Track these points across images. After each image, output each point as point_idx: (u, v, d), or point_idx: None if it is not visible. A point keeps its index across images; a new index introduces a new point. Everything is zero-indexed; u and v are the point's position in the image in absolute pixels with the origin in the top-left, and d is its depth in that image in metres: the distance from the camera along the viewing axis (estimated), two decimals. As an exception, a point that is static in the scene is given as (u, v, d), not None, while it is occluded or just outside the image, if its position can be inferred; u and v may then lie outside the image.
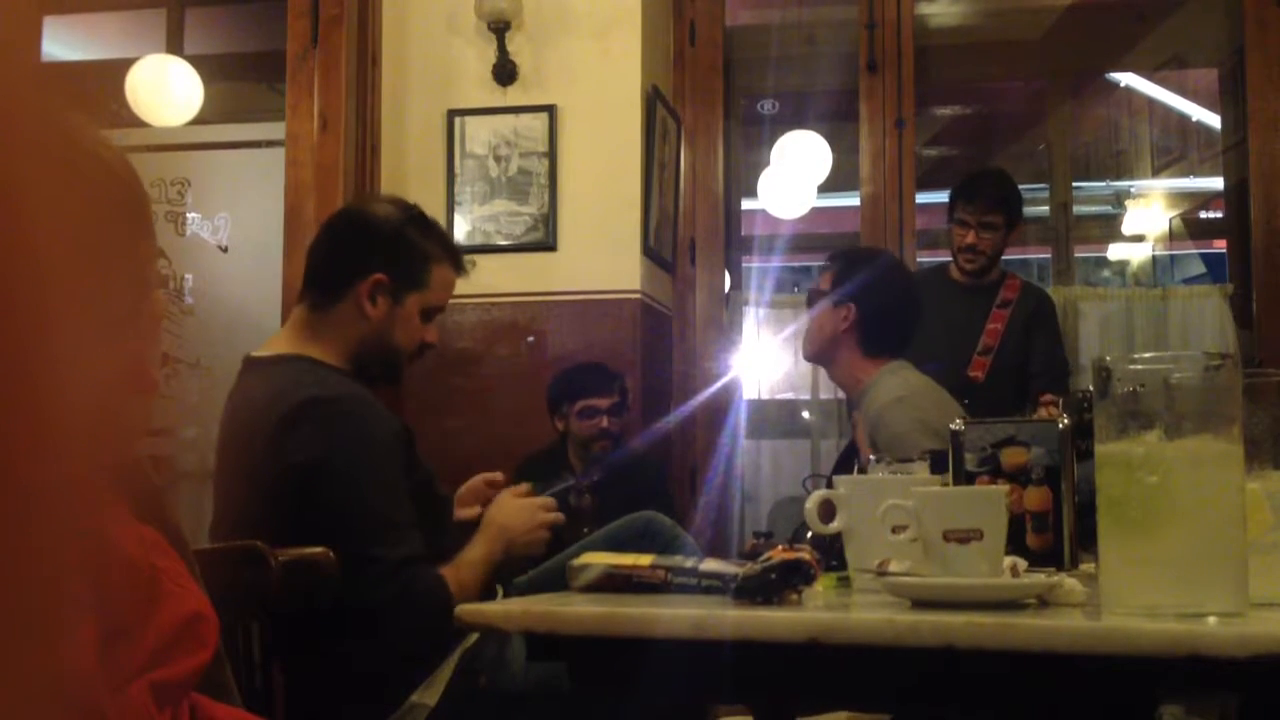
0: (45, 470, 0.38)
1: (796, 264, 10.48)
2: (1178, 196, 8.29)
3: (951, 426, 1.82)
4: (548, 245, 4.01)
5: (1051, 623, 1.21)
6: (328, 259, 2.24)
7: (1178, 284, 7.25)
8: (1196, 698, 1.11)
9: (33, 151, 0.39)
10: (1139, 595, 1.22)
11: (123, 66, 4.73)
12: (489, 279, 3.92)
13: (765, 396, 5.61)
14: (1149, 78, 7.27)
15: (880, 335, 2.88)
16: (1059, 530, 1.75)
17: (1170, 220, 8.21)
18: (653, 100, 4.10)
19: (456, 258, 2.28)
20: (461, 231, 4.02)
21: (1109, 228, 8.35)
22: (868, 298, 2.86)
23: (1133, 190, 8.43)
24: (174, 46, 5.31)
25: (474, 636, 2.06)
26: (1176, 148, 8.24)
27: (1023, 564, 1.47)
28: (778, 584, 1.39)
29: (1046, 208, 5.78)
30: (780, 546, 1.49)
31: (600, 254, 4.00)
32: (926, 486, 1.58)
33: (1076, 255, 5.97)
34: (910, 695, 1.34)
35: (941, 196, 4.00)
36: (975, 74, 6.00)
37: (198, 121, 4.81)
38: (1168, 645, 1.13)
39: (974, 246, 3.82)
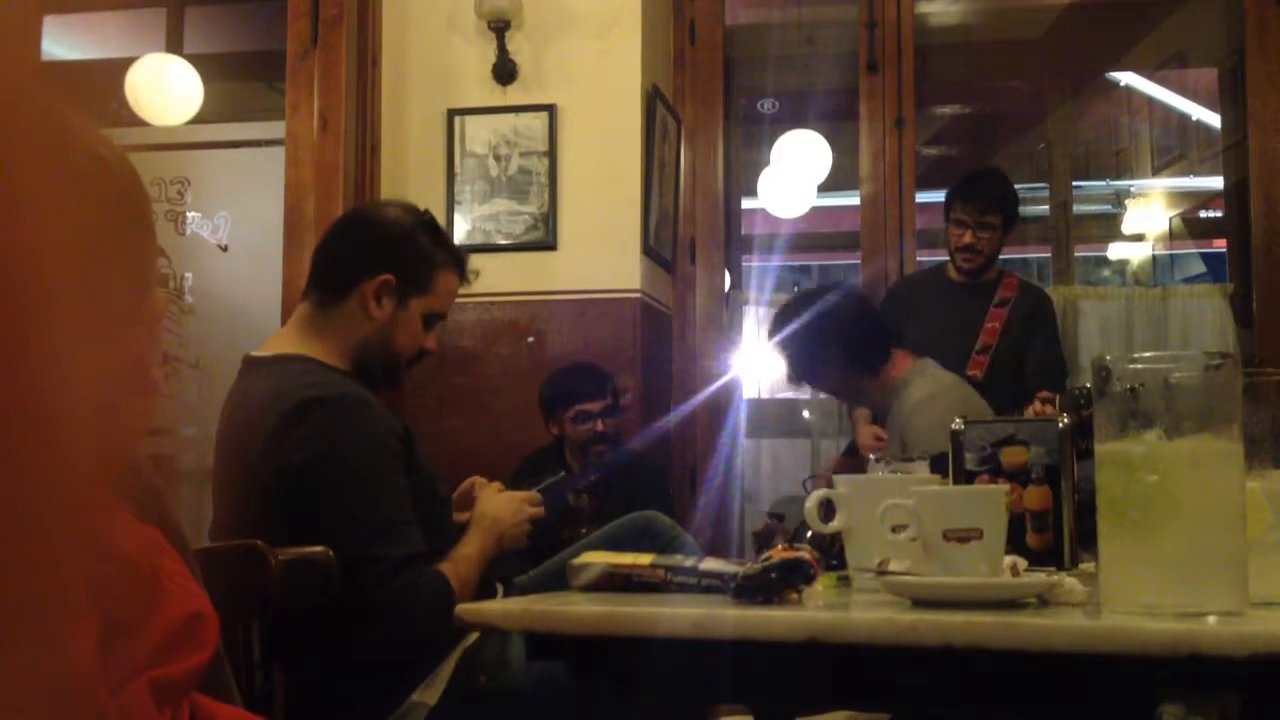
0: (46, 469, 0.38)
1: (796, 263, 10.49)
2: (1178, 196, 8.30)
3: (951, 426, 1.82)
4: (548, 244, 4.01)
5: (1051, 622, 1.21)
6: (336, 256, 2.24)
7: (1178, 283, 7.26)
8: (1196, 697, 1.11)
9: (32, 150, 0.39)
10: (1139, 594, 1.22)
11: (123, 66, 4.73)
12: (489, 278, 3.92)
13: (765, 396, 5.62)
14: (1149, 77, 7.27)
15: (869, 349, 2.91)
16: (1059, 529, 1.75)
17: (1170, 220, 8.21)
18: (653, 100, 4.10)
19: (462, 266, 2.29)
20: (462, 231, 4.02)
21: (1109, 227, 8.36)
22: (827, 341, 2.90)
23: (1133, 190, 8.43)
24: (174, 45, 5.31)
25: (474, 636, 2.07)
26: (1176, 147, 8.25)
27: (1023, 563, 1.47)
28: (778, 583, 1.39)
29: (1046, 207, 5.78)
30: (780, 546, 1.49)
31: (600, 253, 4.00)
32: (926, 486, 1.58)
33: (1076, 255, 5.98)
34: (910, 695, 1.34)
35: (941, 196, 4.00)
36: (975, 73, 6.00)
37: (198, 121, 4.81)
38: (1168, 644, 1.13)
39: (971, 246, 3.83)
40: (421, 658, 2.06)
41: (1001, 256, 3.99)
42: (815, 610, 1.38)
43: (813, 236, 7.82)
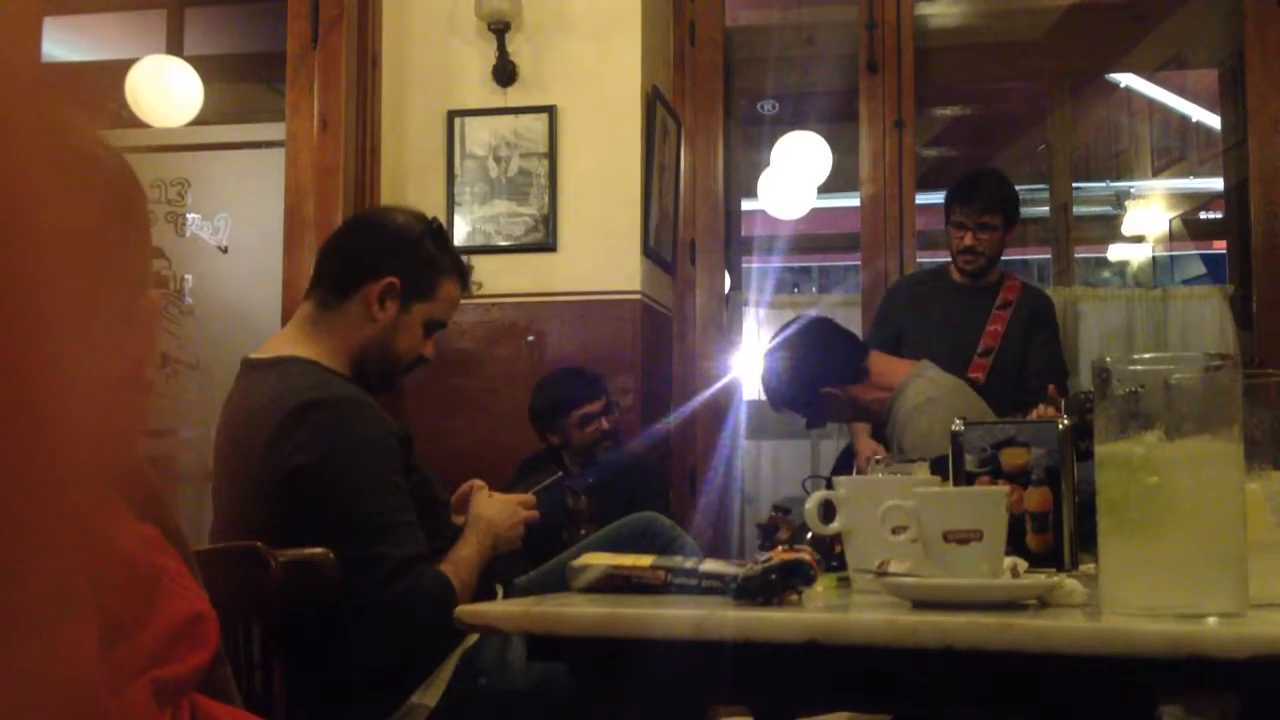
0: (44, 469, 0.38)
1: (796, 265, 10.49)
2: (1178, 197, 8.30)
3: (952, 428, 1.82)
4: (548, 246, 4.01)
5: (1052, 623, 1.21)
6: (342, 257, 2.25)
7: (1178, 285, 7.26)
8: (1196, 698, 1.11)
9: (27, 149, 0.39)
10: (1139, 596, 1.22)
11: (123, 67, 4.74)
12: (489, 280, 3.93)
13: (765, 397, 5.61)
14: (1149, 78, 7.27)
15: (846, 363, 2.97)
16: (1059, 531, 1.75)
17: (1170, 221, 8.22)
18: (653, 101, 4.10)
19: (465, 276, 2.31)
20: (462, 232, 4.02)
21: (1109, 228, 8.36)
22: (810, 375, 3.01)
23: (1133, 191, 8.43)
24: (174, 47, 5.31)
25: (474, 637, 2.07)
26: (1176, 148, 8.25)
27: (1023, 565, 1.47)
28: (778, 585, 1.39)
29: (1046, 208, 5.78)
30: (780, 547, 1.49)
31: (600, 254, 4.00)
32: (926, 487, 1.58)
33: (1076, 256, 5.97)
34: (910, 696, 1.34)
35: (941, 197, 4.00)
36: (975, 74, 6.00)
37: (198, 122, 4.82)
38: (1168, 646, 1.13)
39: (972, 248, 3.82)
40: (422, 658, 2.06)
41: (1002, 258, 3.99)
42: (815, 612, 1.38)
43: (813, 238, 7.82)
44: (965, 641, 1.19)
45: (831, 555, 1.71)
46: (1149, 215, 8.29)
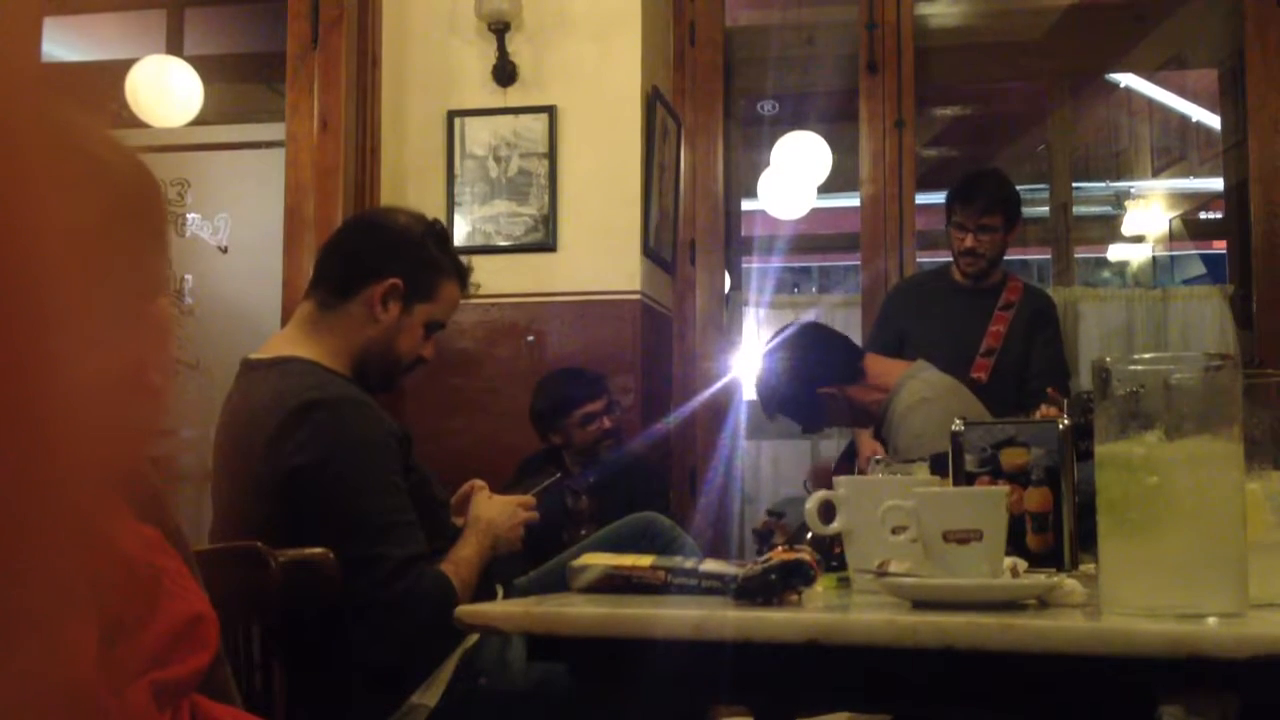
0: (45, 470, 0.38)
1: (796, 265, 10.49)
2: (1178, 197, 8.30)
3: (952, 428, 1.82)
4: (548, 246, 4.01)
5: (1052, 623, 1.21)
6: (345, 258, 2.25)
7: (1178, 285, 7.26)
8: (1196, 698, 1.11)
9: (28, 151, 0.39)
10: (1139, 596, 1.22)
11: (123, 67, 4.74)
12: (489, 280, 3.92)
13: (760, 402, 5.61)
14: (1149, 78, 7.27)
15: (842, 364, 2.98)
16: (1059, 531, 1.75)
17: (1170, 221, 8.22)
18: (653, 101, 4.10)
19: (464, 277, 2.32)
20: (462, 232, 4.02)
21: (1109, 228, 8.36)
22: (807, 375, 3.02)
23: (1133, 191, 8.43)
24: (174, 47, 5.32)
25: (474, 637, 2.07)
26: (1176, 148, 8.25)
27: (1023, 565, 1.47)
28: (778, 585, 1.39)
29: (1046, 208, 5.78)
30: (780, 547, 1.49)
31: (600, 255, 4.00)
32: (926, 488, 1.58)
33: (1076, 256, 5.97)
34: (910, 696, 1.34)
35: (941, 197, 4.00)
36: (975, 74, 5.99)
37: (198, 122, 4.82)
38: (1168, 646, 1.13)
39: (973, 250, 3.82)
40: (422, 658, 2.06)
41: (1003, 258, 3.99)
42: (815, 612, 1.38)
43: (813, 238, 7.82)
44: (965, 642, 1.19)
45: (831, 555, 1.71)
46: (1149, 215, 8.29)
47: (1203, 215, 8.18)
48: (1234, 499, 1.24)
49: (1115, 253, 8.78)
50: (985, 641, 1.19)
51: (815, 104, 5.21)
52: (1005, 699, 1.28)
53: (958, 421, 1.82)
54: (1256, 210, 4.36)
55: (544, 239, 4.01)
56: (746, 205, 5.37)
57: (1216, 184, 6.47)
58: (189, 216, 4.46)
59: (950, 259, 3.99)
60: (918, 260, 4.64)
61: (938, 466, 1.84)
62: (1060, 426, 1.78)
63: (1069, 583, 1.37)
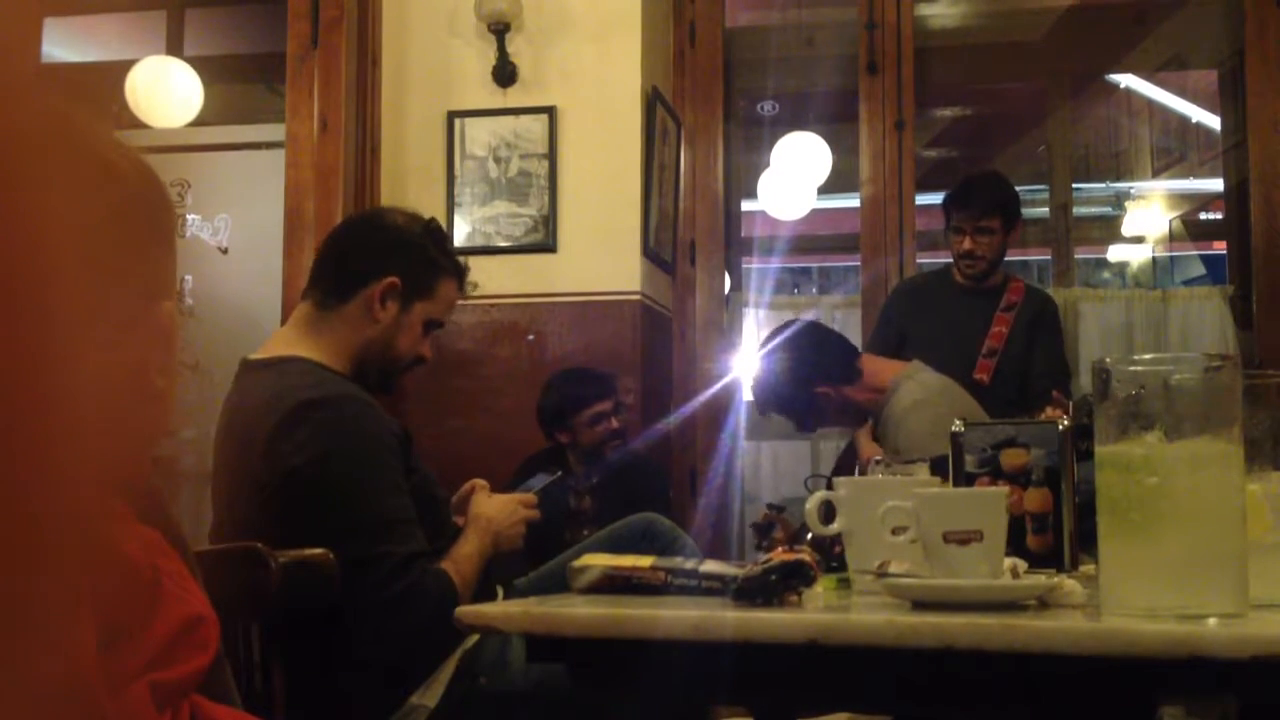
0: (45, 471, 0.38)
1: (796, 265, 10.50)
2: (1178, 198, 8.30)
3: (952, 429, 1.82)
4: (548, 247, 4.01)
5: (1052, 624, 1.21)
6: (343, 258, 2.25)
7: (1178, 285, 7.26)
8: (1196, 699, 1.11)
9: (37, 155, 0.39)
10: (1139, 596, 1.22)
11: (123, 68, 4.74)
12: (489, 280, 3.92)
13: (755, 400, 5.60)
14: (1149, 79, 7.27)
15: (839, 364, 2.99)
16: (1059, 531, 1.75)
17: (1170, 222, 8.22)
18: (653, 101, 4.10)
19: (462, 276, 2.32)
20: (462, 233, 4.02)
21: (1109, 229, 8.36)
22: (805, 374, 3.03)
23: (1133, 192, 8.43)
24: (174, 48, 5.32)
25: (474, 638, 2.07)
26: (1176, 149, 8.25)
27: (1023, 565, 1.47)
28: (778, 585, 1.39)
29: (1046, 209, 5.78)
30: (780, 548, 1.49)
31: (600, 255, 4.00)
32: (926, 488, 1.58)
33: (1076, 257, 5.97)
34: (910, 696, 1.34)
35: (941, 198, 4.00)
36: (975, 75, 6.00)
37: (198, 123, 4.82)
38: (1168, 646, 1.13)
39: (971, 252, 3.82)
40: (424, 656, 2.06)
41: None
42: (815, 612, 1.38)
43: (813, 239, 7.82)
44: (965, 642, 1.19)
45: (831, 556, 1.71)
46: (1149, 216, 8.29)
47: (1203, 216, 8.18)
48: (1234, 500, 1.24)
49: (1115, 253, 8.78)
50: (985, 642, 1.19)
51: (815, 104, 5.21)
52: (1005, 700, 1.28)
53: (958, 422, 1.82)
54: (1256, 211, 4.36)
55: (544, 239, 4.01)
56: (746, 206, 5.37)
57: (1216, 185, 6.47)
58: (189, 217, 4.46)
59: (951, 260, 3.99)
60: (918, 261, 4.64)
61: (938, 467, 1.83)
62: (1060, 427, 1.78)
63: (1069, 583, 1.37)
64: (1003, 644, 1.18)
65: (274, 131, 4.31)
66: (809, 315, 4.77)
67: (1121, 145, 8.43)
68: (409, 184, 4.10)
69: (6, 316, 0.37)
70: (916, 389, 2.89)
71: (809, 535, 1.76)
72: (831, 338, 3.15)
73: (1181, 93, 7.63)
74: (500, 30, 4.01)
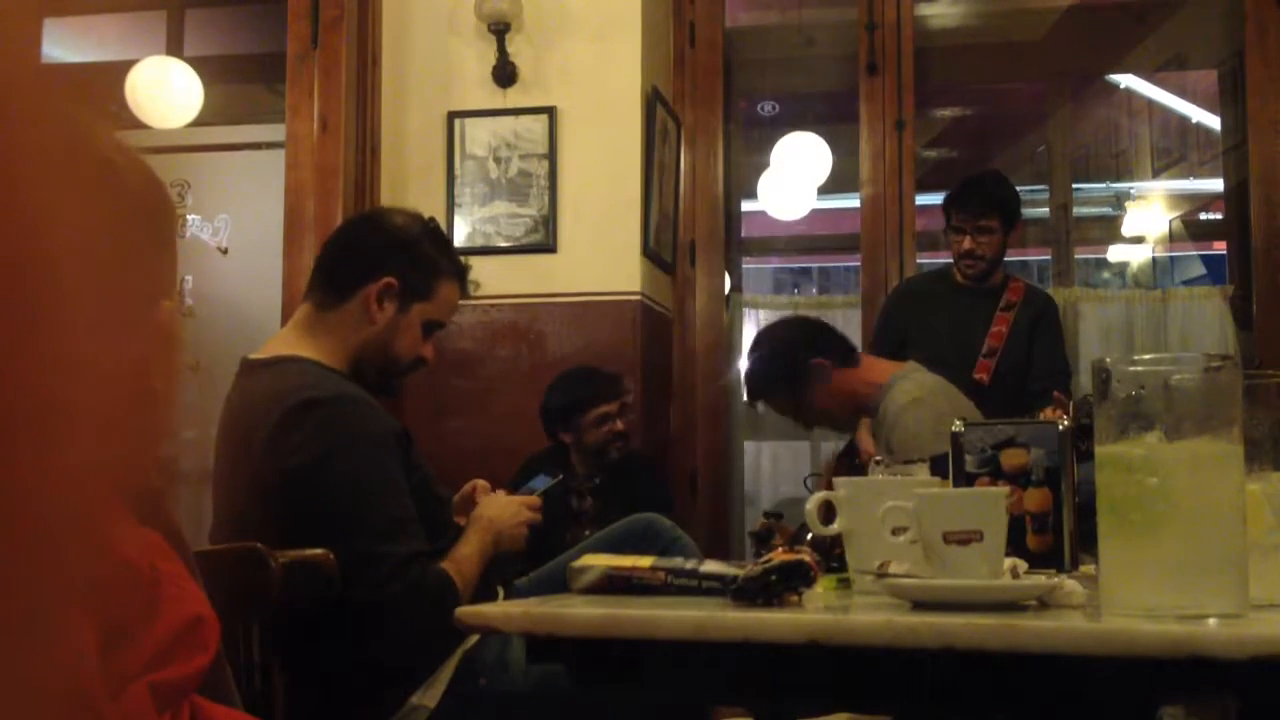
0: (46, 472, 0.38)
1: (796, 265, 10.50)
2: (1178, 198, 8.29)
3: (952, 429, 1.82)
4: (548, 247, 4.01)
5: (1052, 624, 1.21)
6: (341, 258, 2.25)
7: (1178, 286, 7.26)
8: (1197, 699, 1.11)
9: (37, 155, 0.39)
10: (1139, 597, 1.22)
11: (123, 68, 4.73)
12: (489, 281, 3.92)
13: (745, 387, 5.60)
14: (1149, 79, 7.27)
15: (837, 343, 2.99)
16: (1059, 532, 1.75)
17: (1170, 222, 8.21)
18: (652, 102, 4.10)
19: (463, 277, 2.31)
20: (462, 233, 4.02)
21: (1109, 229, 8.35)
22: (803, 338, 3.04)
23: (1133, 192, 8.43)
24: (174, 48, 5.31)
25: (474, 638, 2.07)
26: (1176, 149, 8.25)
27: (1023, 565, 1.47)
28: (778, 586, 1.39)
29: (1046, 209, 5.77)
30: (780, 549, 1.49)
31: (600, 255, 4.00)
32: (927, 488, 1.58)
33: (1076, 257, 5.96)
34: (910, 697, 1.34)
35: (941, 198, 4.00)
36: (975, 75, 6.00)
37: (198, 123, 4.81)
38: (1168, 647, 1.13)
39: (971, 252, 3.82)
40: (424, 656, 2.06)
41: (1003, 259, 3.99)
42: (815, 612, 1.38)
43: (813, 239, 7.81)
44: (965, 643, 1.19)
45: (831, 556, 1.71)
46: (1149, 216, 8.28)
47: (1203, 216, 8.18)
48: (1234, 500, 1.24)
49: (1115, 254, 8.77)
50: (985, 642, 1.19)
51: (815, 105, 5.22)
52: (1005, 700, 1.28)
53: (958, 422, 1.82)
54: (1256, 211, 4.36)
55: (544, 240, 4.01)
56: (746, 206, 5.37)
57: (1216, 185, 6.47)
58: (189, 218, 4.47)
59: (951, 260, 3.99)
60: (918, 261, 4.64)
61: (938, 467, 1.83)
62: (1060, 427, 1.78)
63: (1069, 584, 1.37)
64: (1003, 644, 1.18)
65: (274, 132, 4.31)
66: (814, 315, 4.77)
67: (1121, 145, 8.43)
68: (409, 184, 4.10)
69: (6, 317, 0.37)
70: (913, 387, 2.88)
71: (809, 535, 1.76)
72: (830, 326, 3.17)
73: (1181, 93, 7.63)
74: (500, 30, 4.01)
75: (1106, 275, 9.19)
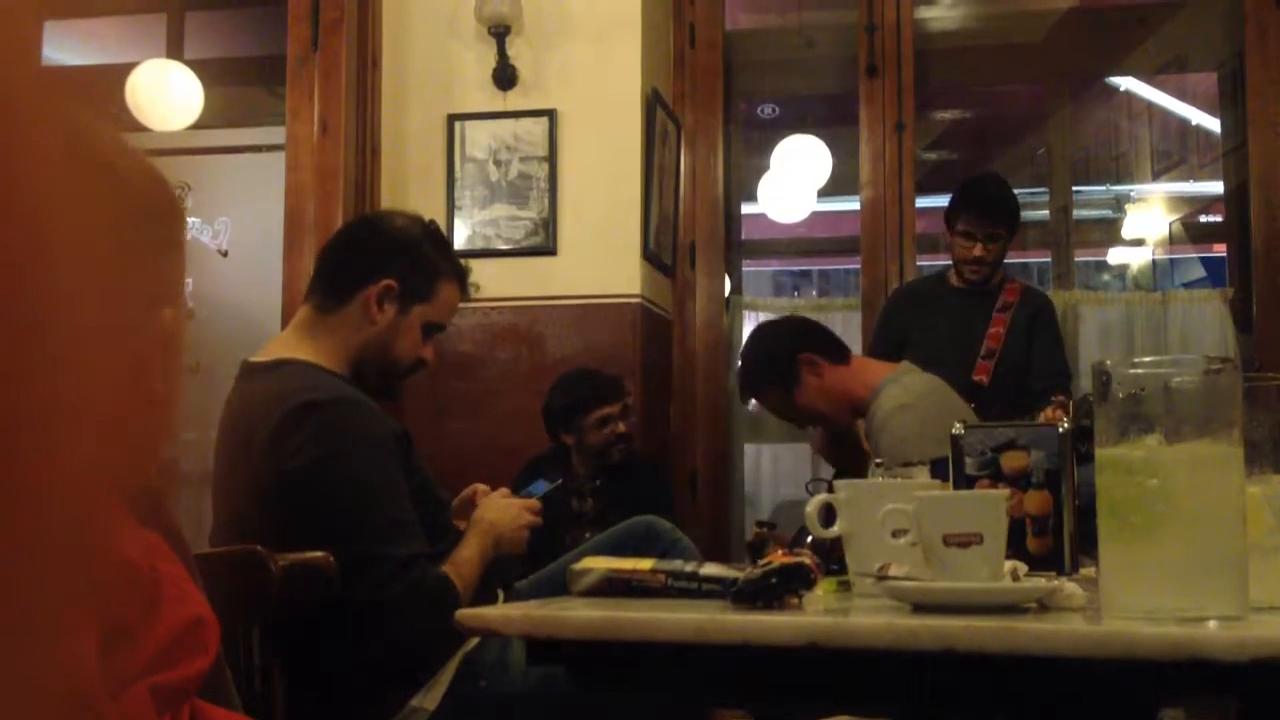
0: (46, 475, 0.38)
1: (796, 268, 10.50)
2: (1178, 200, 8.29)
3: (952, 431, 1.82)
4: (548, 249, 4.02)
5: (1052, 627, 1.21)
6: (341, 260, 2.26)
7: (1178, 288, 7.26)
8: (1197, 702, 1.11)
9: (35, 159, 0.39)
10: (1139, 599, 1.22)
11: (123, 71, 4.74)
12: (489, 283, 3.93)
13: (737, 381, 5.60)
14: (1149, 81, 7.27)
15: (830, 341, 2.98)
16: (1059, 534, 1.75)
17: (1170, 224, 8.21)
18: (652, 104, 4.10)
19: (463, 279, 2.32)
20: (462, 236, 4.02)
21: (1109, 232, 8.35)
22: (797, 329, 3.08)
23: (1133, 194, 8.43)
24: (174, 51, 5.32)
25: (474, 640, 2.07)
26: (1176, 152, 8.25)
27: (1023, 568, 1.47)
28: (778, 588, 1.39)
29: (1046, 212, 5.77)
30: (780, 551, 1.49)
31: (600, 258, 4.00)
32: (927, 491, 1.58)
33: (1076, 259, 5.96)
34: (911, 699, 1.34)
35: (941, 200, 4.00)
36: (975, 78, 6.00)
37: (198, 126, 4.82)
38: (1168, 649, 1.13)
39: (981, 259, 3.83)
40: (424, 658, 2.06)
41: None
42: (816, 615, 1.38)
43: (813, 241, 7.81)
44: (965, 645, 1.19)
45: (831, 559, 1.71)
46: (1149, 218, 8.28)
47: (1203, 219, 8.18)
48: (1234, 502, 1.24)
49: (1115, 256, 8.77)
50: (985, 645, 1.19)
51: (815, 107, 5.22)
52: (1006, 703, 1.28)
53: (958, 425, 1.82)
54: (1256, 213, 4.36)
55: (544, 242, 4.01)
56: (746, 208, 5.38)
57: (1216, 187, 6.47)
58: (189, 220, 4.47)
59: (949, 262, 3.99)
60: (918, 264, 4.64)
61: (938, 470, 1.83)
62: (1060, 429, 1.78)
63: (1069, 586, 1.37)
64: (1003, 647, 1.18)
65: (274, 134, 4.32)
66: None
67: (1121, 148, 8.43)
68: (409, 187, 4.10)
69: (7, 318, 0.37)
70: (900, 393, 2.85)
71: (809, 538, 1.76)
72: (822, 326, 3.17)
73: (1181, 95, 7.63)
74: (500, 33, 4.01)
75: (1106, 278, 9.19)
